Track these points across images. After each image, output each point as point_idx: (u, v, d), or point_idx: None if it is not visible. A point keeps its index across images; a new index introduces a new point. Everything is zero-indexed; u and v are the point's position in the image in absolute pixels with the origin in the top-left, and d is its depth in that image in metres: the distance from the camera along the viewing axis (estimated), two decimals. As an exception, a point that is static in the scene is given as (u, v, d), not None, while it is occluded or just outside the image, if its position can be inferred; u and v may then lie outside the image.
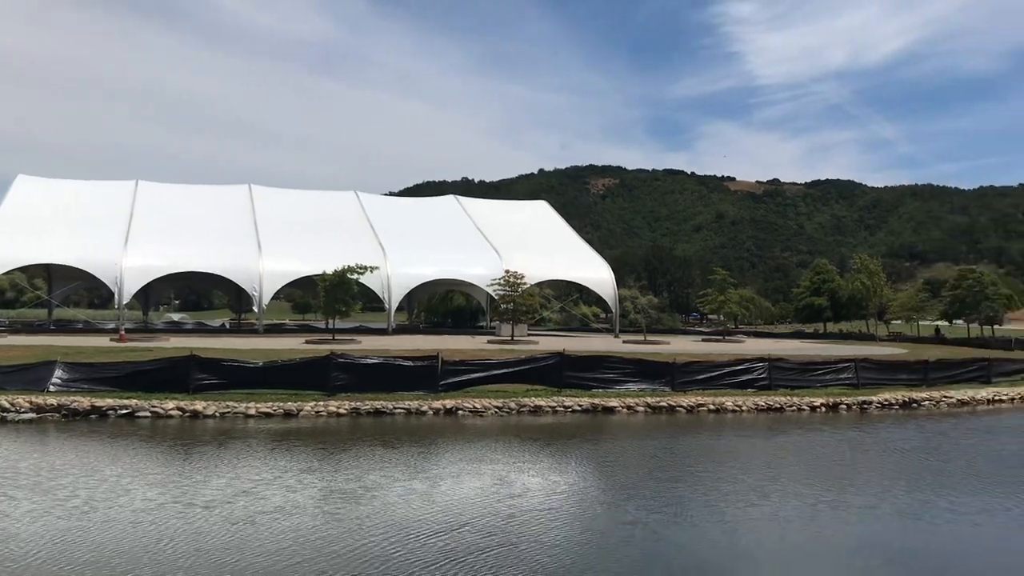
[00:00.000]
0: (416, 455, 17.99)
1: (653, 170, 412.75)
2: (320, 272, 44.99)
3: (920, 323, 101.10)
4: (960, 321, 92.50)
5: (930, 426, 25.09)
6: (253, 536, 11.45)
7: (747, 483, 15.69)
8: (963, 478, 16.75)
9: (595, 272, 64.29)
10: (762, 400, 28.20)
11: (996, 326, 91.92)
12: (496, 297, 52.40)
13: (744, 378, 30.22)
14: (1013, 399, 31.63)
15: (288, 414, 23.58)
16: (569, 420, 24.58)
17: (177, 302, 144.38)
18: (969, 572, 10.76)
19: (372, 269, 46.07)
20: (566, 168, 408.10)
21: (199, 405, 23.59)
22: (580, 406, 26.24)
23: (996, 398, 31.36)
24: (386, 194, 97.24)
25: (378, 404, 24.77)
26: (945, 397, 30.47)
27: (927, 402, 29.93)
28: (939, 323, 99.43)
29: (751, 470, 17.15)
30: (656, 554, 11.12)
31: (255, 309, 55.20)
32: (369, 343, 40.22)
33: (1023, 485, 16.05)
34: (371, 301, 69.34)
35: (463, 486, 15.13)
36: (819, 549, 11.63)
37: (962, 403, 30.26)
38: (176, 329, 61.75)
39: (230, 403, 23.98)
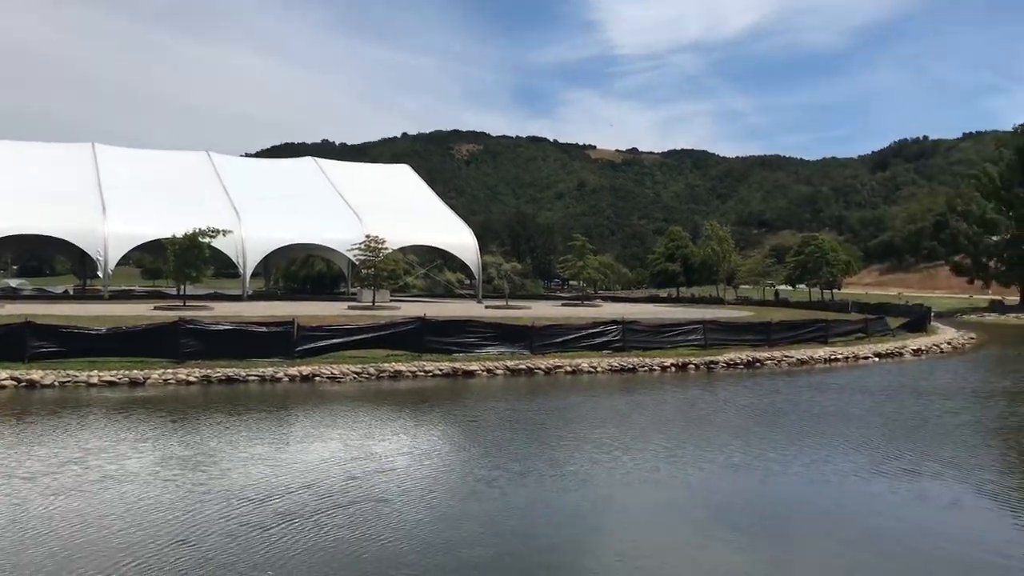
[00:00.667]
0: (265, 421, 17.57)
1: (517, 137, 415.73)
2: (170, 235, 43.07)
3: (766, 287, 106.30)
4: (803, 285, 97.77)
5: (768, 383, 26.41)
6: (79, 506, 10.92)
7: (595, 440, 16.10)
8: (795, 433, 17.70)
9: (459, 238, 64.30)
10: (616, 361, 29.00)
11: (835, 290, 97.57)
12: (357, 262, 51.65)
13: (600, 340, 30.99)
14: (847, 358, 33.68)
15: (134, 383, 22.55)
16: (430, 384, 24.58)
17: (16, 268, 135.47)
18: (790, 519, 11.39)
19: (225, 232, 44.48)
20: (430, 133, 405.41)
21: (36, 375, 22.24)
22: (441, 370, 26.27)
23: (832, 357, 33.31)
24: (241, 156, 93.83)
25: (230, 371, 24.02)
26: (786, 357, 32.15)
27: (769, 361, 31.50)
28: (779, 287, 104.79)
29: (601, 428, 17.60)
30: (501, 509, 11.26)
31: (100, 274, 52.44)
32: (223, 309, 38.95)
33: (845, 438, 17.12)
34: (225, 267, 67.19)
35: (309, 450, 14.90)
36: (656, 500, 12.03)
37: (801, 362, 32.00)
38: (13, 296, 57.88)
39: (71, 372, 22.71)
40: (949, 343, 40.86)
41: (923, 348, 38.00)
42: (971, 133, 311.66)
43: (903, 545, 10.00)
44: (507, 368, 27.24)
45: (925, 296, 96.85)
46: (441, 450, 15.43)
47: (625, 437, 16.63)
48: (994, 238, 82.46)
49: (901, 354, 36.12)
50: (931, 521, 11.14)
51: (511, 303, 56.99)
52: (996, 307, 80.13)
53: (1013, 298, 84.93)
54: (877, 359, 34.42)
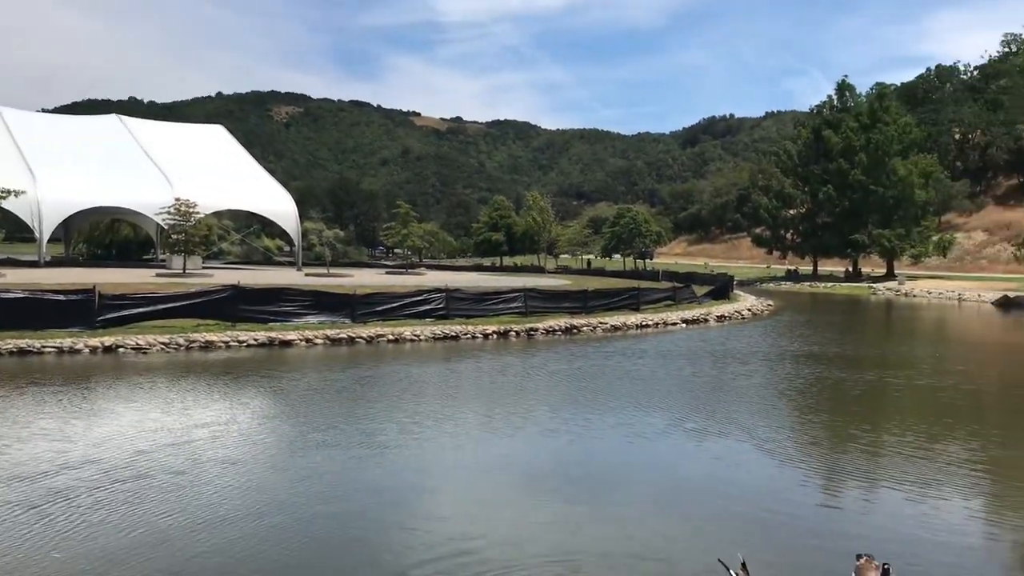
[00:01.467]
0: (56, 395, 16.35)
1: (339, 101, 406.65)
2: (-50, 196, 39.24)
3: (583, 257, 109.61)
4: (618, 255, 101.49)
5: (583, 349, 27.19)
6: None
7: (409, 409, 16.02)
8: (605, 396, 18.28)
9: (278, 203, 62.27)
10: (439, 329, 29.01)
11: (648, 260, 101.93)
12: (166, 227, 48.94)
13: (423, 308, 30.89)
14: (658, 324, 35.21)
15: (-94, 357, 20.43)
16: (244, 355, 23.66)
17: None
18: (600, 477, 11.75)
19: (16, 193, 41.02)
20: (247, 93, 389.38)
21: None
22: (256, 340, 25.36)
23: (644, 323, 34.73)
24: (37, 112, 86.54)
25: (22, 343, 22.21)
26: (601, 323, 33.23)
27: (586, 328, 32.46)
28: (589, 257, 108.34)
29: (417, 396, 17.55)
30: (304, 478, 10.99)
31: None
32: (16, 276, 35.96)
33: (651, 401, 17.92)
34: (20, 230, 62.12)
35: (99, 425, 13.98)
36: (472, 465, 12.09)
37: (616, 328, 33.18)
38: None
39: None
40: (749, 310, 43.51)
41: (726, 314, 40.27)
42: (773, 112, 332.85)
43: (707, 498, 10.52)
44: (327, 337, 26.66)
45: (729, 266, 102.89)
46: (244, 421, 14.85)
47: (440, 405, 16.64)
48: (791, 212, 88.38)
49: (706, 320, 38.10)
50: (727, 475, 11.77)
51: (333, 271, 55.89)
52: (791, 276, 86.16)
53: (806, 268, 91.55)
54: (685, 325, 36.16)
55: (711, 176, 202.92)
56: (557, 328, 31.69)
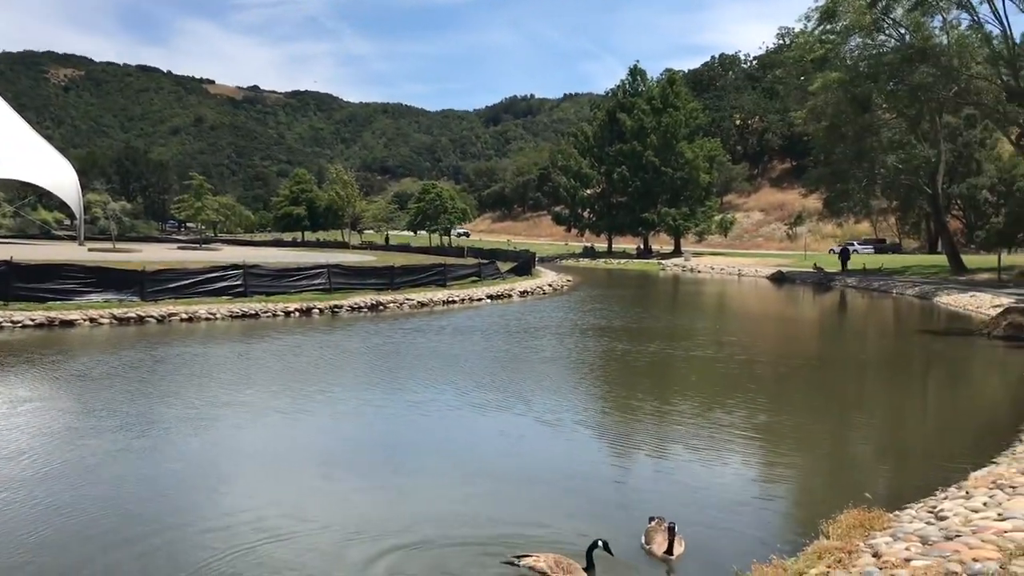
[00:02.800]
0: None
1: (125, 65, 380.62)
2: None
3: (390, 232, 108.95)
4: (424, 232, 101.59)
5: (387, 327, 27.16)
6: None
7: (200, 391, 15.48)
8: (404, 374, 18.35)
9: (56, 173, 57.68)
10: (237, 307, 28.03)
11: (452, 236, 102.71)
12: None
13: (219, 285, 29.73)
14: (463, 299, 35.67)
15: None
16: (18, 337, 21.92)
17: None
18: (399, 455, 11.90)
19: None
20: (19, 53, 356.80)
21: None
22: (33, 320, 23.56)
23: (450, 299, 35.09)
24: None
25: None
26: (408, 299, 33.26)
27: (392, 304, 32.39)
28: (388, 233, 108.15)
29: (208, 378, 16.94)
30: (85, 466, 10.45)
31: None
32: None
33: (450, 377, 18.24)
34: None
35: None
36: (263, 450, 11.81)
37: (422, 304, 33.30)
38: None
39: None
40: (550, 285, 44.91)
41: (529, 290, 41.37)
42: (571, 94, 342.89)
43: (504, 470, 10.86)
44: (114, 316, 25.13)
45: (531, 243, 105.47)
46: (6, 408, 13.84)
47: (233, 387, 16.10)
48: (587, 191, 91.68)
49: (510, 296, 39.00)
50: (521, 447, 12.20)
51: (119, 246, 52.64)
52: (588, 253, 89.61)
53: (602, 245, 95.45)
54: (490, 300, 36.85)
55: (513, 155, 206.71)
56: (363, 305, 31.41)
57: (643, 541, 7.68)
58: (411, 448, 12.02)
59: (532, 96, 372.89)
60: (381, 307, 31.85)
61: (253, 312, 28.02)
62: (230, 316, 27.27)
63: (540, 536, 8.08)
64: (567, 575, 6.88)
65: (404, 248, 78.81)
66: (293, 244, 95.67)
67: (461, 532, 8.27)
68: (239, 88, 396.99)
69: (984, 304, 33.26)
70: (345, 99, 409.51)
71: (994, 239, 63.09)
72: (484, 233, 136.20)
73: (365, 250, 77.18)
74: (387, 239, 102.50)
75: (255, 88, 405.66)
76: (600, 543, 7.05)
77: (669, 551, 7.48)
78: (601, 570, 7.09)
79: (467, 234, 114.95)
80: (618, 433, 13.18)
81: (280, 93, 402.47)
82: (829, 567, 6.33)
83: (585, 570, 6.97)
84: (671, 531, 7.55)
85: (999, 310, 27.40)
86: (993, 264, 47.92)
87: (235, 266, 30.95)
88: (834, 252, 71.81)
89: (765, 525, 8.81)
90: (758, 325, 32.25)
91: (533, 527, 8.43)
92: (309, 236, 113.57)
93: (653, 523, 7.82)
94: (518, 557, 7.15)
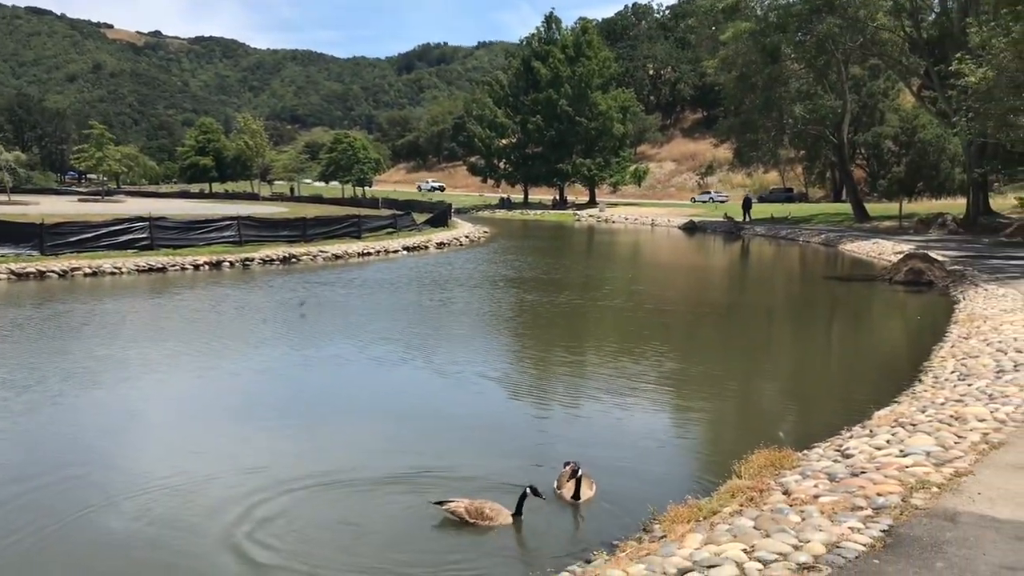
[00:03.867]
0: None
1: (14, 6, 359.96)
2: None
3: (300, 183, 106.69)
4: (336, 182, 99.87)
5: (300, 279, 26.71)
6: None
7: (100, 347, 15.03)
8: (321, 327, 18.14)
9: (-61, 121, 54.46)
10: (143, 261, 27.18)
11: (367, 187, 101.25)
12: None
13: (124, 239, 28.73)
14: (379, 252, 35.28)
15: None
16: (-92, 294, 20.82)
17: None
18: (323, 405, 11.79)
19: None
20: None
21: None
22: (-78, 277, 22.41)
23: (365, 251, 34.64)
24: None
25: None
26: (321, 252, 32.72)
27: (306, 257, 31.83)
28: (293, 184, 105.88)
29: (112, 335, 16.46)
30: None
31: None
32: None
33: (367, 329, 18.10)
34: None
35: None
36: (178, 409, 11.57)
37: (337, 257, 32.82)
38: None
39: None
40: (467, 236, 44.76)
41: (445, 241, 41.16)
42: (485, 42, 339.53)
43: (423, 416, 10.86)
44: (11, 272, 24.11)
45: (446, 194, 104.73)
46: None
47: (136, 342, 15.70)
48: (503, 141, 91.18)
49: (427, 247, 38.76)
50: (431, 398, 12.20)
51: (14, 198, 50.33)
52: (504, 204, 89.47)
53: (518, 196, 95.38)
54: (406, 252, 36.55)
55: (427, 104, 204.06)
56: (275, 258, 30.80)
57: (555, 486, 7.78)
58: (313, 401, 11.92)
59: (446, 44, 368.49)
60: (294, 260, 31.28)
61: (160, 266, 27.19)
62: (136, 270, 26.43)
63: (448, 475, 8.22)
64: (484, 520, 7.00)
65: (316, 200, 77.32)
66: (200, 196, 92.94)
67: (365, 473, 8.29)
68: (140, 33, 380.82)
69: (886, 251, 34.49)
70: (252, 45, 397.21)
71: (896, 188, 65.47)
72: (399, 183, 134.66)
73: (276, 201, 75.53)
74: (292, 190, 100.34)
75: (157, 34, 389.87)
76: (528, 489, 7.13)
77: (576, 495, 7.59)
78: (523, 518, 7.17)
79: (441, 187, 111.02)
80: (532, 383, 13.29)
81: (183, 39, 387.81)
82: (742, 505, 6.52)
83: (514, 515, 7.07)
84: (577, 475, 7.65)
85: (900, 256, 28.44)
86: (895, 212, 49.65)
87: (140, 218, 29.91)
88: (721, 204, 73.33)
89: (680, 468, 9.04)
90: (670, 274, 32.82)
91: (444, 469, 8.53)
92: (217, 187, 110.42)
93: (567, 468, 7.91)
94: (441, 502, 7.26)
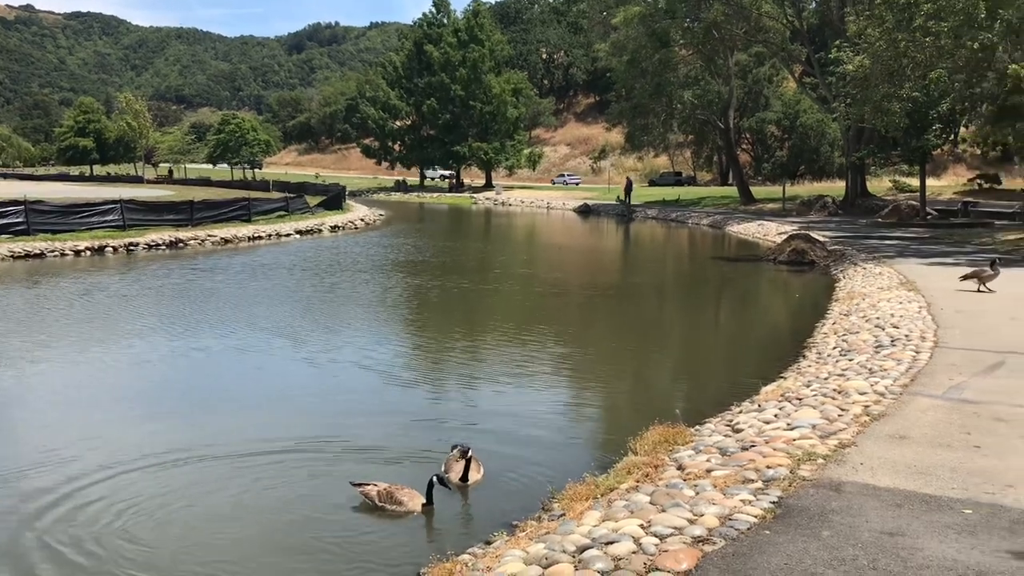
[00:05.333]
0: None
1: None
2: None
3: (185, 166, 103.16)
4: (225, 164, 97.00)
5: (183, 266, 25.88)
6: None
7: None
8: (202, 316, 17.42)
9: None
10: (19, 247, 25.86)
11: (257, 169, 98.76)
12: None
13: (-3, 224, 27.25)
14: (270, 235, 34.49)
15: None
16: None
17: None
18: (207, 393, 11.48)
19: None
20: None
21: None
22: None
23: (256, 235, 33.80)
24: None
25: None
26: (210, 236, 31.76)
27: (193, 241, 30.85)
28: (170, 165, 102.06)
29: None
30: None
31: None
32: None
33: (250, 316, 17.67)
34: None
35: None
36: (58, 399, 11.12)
37: (226, 241, 31.92)
38: None
39: None
40: (362, 219, 44.20)
41: (340, 224, 40.54)
42: (377, 23, 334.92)
43: (303, 402, 10.69)
44: None
45: (340, 176, 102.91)
46: None
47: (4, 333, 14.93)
48: (397, 123, 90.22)
49: (320, 231, 38.08)
50: (323, 382, 12.04)
51: None
52: (400, 187, 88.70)
53: (414, 178, 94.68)
54: (299, 236, 35.84)
55: (319, 84, 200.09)
56: (160, 242, 29.75)
57: (443, 470, 7.75)
58: (190, 388, 11.66)
59: (337, 24, 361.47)
60: (181, 244, 30.29)
61: (38, 252, 25.94)
62: (11, 256, 25.16)
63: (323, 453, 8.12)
64: (394, 505, 7.01)
65: (204, 182, 74.91)
66: (81, 179, 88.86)
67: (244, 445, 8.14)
68: (9, 7, 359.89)
69: (770, 232, 35.72)
70: (133, 22, 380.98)
71: (779, 171, 67.80)
72: (290, 166, 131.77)
73: (161, 184, 72.93)
74: (171, 172, 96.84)
75: (29, 7, 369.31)
76: (435, 478, 7.12)
77: (464, 478, 7.60)
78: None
79: (455, 176, 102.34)
80: (422, 369, 13.22)
81: (58, 14, 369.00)
82: (638, 481, 6.64)
83: (425, 505, 7.07)
84: (464, 454, 7.66)
85: (784, 237, 29.50)
86: (778, 195, 51.41)
87: (15, 202, 28.38)
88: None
89: (577, 447, 9.16)
90: (564, 256, 33.16)
91: (334, 446, 8.42)
92: (99, 170, 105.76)
93: (454, 452, 7.90)
94: (358, 484, 7.25)
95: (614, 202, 58.07)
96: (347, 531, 6.81)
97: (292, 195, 46.14)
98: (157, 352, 13.75)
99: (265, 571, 6.18)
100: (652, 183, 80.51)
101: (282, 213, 39.90)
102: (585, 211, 57.94)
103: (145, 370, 12.71)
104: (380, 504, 7.05)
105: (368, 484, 7.23)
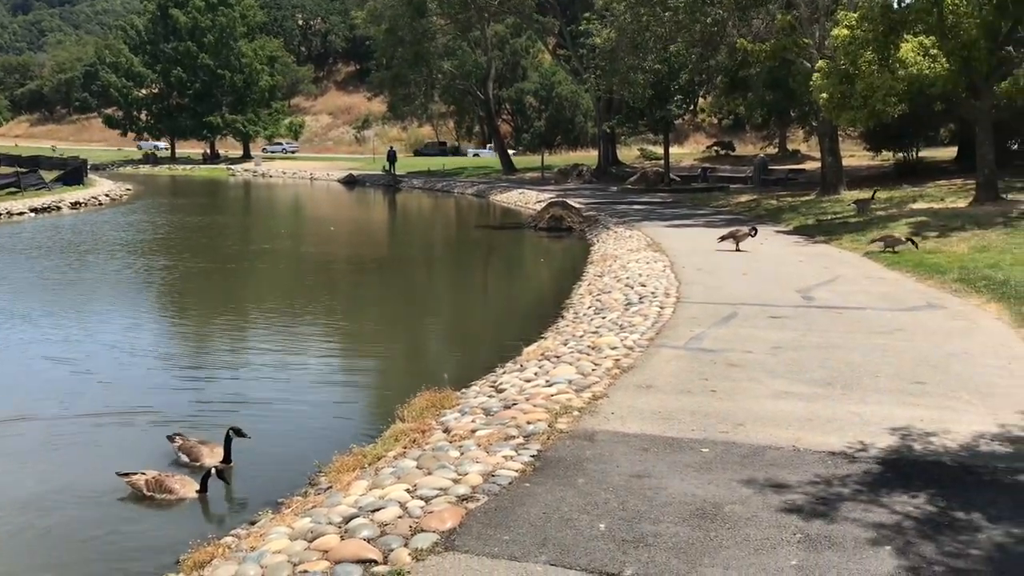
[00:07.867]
0: None
1: None
2: None
3: None
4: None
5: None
6: None
7: None
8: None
9: None
10: None
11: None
12: None
13: None
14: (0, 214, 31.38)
15: None
16: None
17: None
18: None
19: None
20: None
21: None
22: None
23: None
24: None
25: None
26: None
27: (-96, 224, 27.46)
28: None
29: None
30: None
31: None
32: None
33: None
34: None
35: None
36: None
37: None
38: None
39: None
40: (107, 195, 41.12)
41: (81, 201, 37.49)
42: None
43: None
44: None
45: (81, 149, 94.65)
46: None
47: None
48: (143, 92, 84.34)
49: (59, 208, 35.09)
50: (67, 372, 11.27)
51: None
52: (149, 159, 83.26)
53: (164, 151, 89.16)
54: (34, 214, 32.85)
55: (50, 49, 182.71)
56: None
57: (185, 459, 7.45)
58: None
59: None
60: None
61: None
62: None
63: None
64: (163, 493, 6.79)
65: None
66: None
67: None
68: None
69: (531, 200, 36.92)
70: None
71: (537, 141, 70.03)
72: (21, 138, 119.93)
73: None
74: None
75: None
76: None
77: (227, 459, 7.34)
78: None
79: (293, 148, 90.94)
80: (186, 349, 12.69)
81: None
82: (405, 447, 6.73)
83: (199, 491, 6.80)
84: (236, 433, 7.35)
85: (543, 205, 30.61)
86: (538, 164, 53.17)
87: None
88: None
89: (346, 419, 9.11)
90: (331, 229, 32.62)
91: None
92: None
93: (179, 440, 7.65)
94: (124, 474, 6.93)
95: (380, 172, 57.66)
96: (108, 522, 6.49)
97: (24, 170, 42.10)
98: None
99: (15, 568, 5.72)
100: (417, 153, 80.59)
101: (13, 190, 36.33)
102: (351, 182, 57.12)
103: None
104: (149, 493, 6.77)
105: (136, 474, 6.90)
